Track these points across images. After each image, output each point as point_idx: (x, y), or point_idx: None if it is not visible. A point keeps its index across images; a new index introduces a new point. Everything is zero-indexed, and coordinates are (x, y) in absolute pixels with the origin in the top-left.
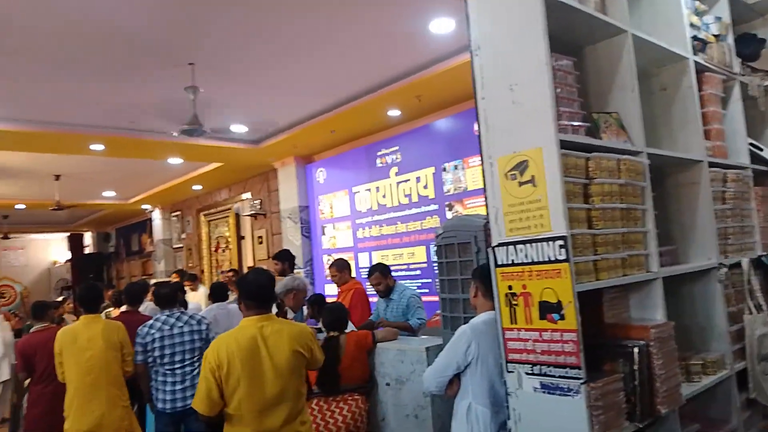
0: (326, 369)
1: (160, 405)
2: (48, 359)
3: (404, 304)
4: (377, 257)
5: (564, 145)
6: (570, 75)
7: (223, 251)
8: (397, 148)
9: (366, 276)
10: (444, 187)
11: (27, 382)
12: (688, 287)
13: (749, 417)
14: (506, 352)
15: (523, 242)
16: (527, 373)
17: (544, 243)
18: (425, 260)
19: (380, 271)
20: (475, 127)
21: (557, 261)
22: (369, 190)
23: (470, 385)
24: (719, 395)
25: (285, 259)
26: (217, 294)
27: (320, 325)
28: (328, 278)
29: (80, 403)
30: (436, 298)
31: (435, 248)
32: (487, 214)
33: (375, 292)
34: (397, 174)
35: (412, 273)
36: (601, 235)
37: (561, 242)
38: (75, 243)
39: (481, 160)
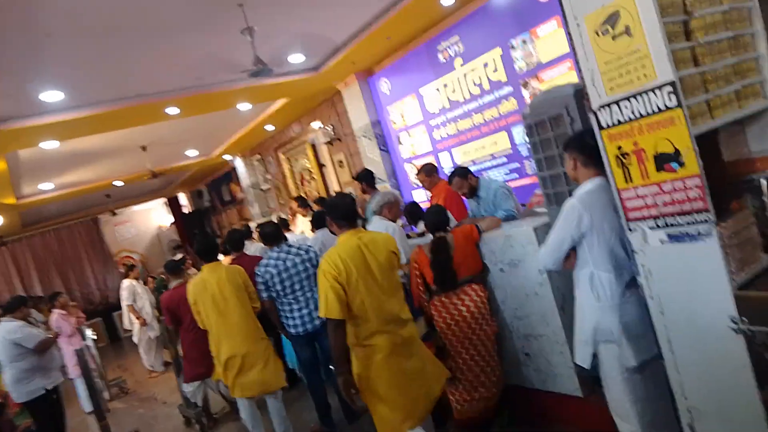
0: (441, 267)
1: (292, 330)
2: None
3: (491, 198)
4: (459, 154)
5: None
6: None
7: (309, 182)
8: (457, 37)
9: (446, 176)
10: (515, 65)
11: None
12: None
13: None
14: (625, 212)
15: (627, 98)
16: (651, 228)
17: (651, 93)
18: (509, 146)
19: (459, 176)
20: None
21: (668, 109)
22: (437, 88)
23: (588, 254)
24: None
25: (362, 179)
26: (319, 221)
27: (418, 230)
28: (414, 185)
29: (226, 342)
30: (529, 181)
31: (525, 129)
32: (581, 78)
33: None
34: (462, 65)
35: (498, 162)
36: (710, 71)
37: (670, 88)
38: (174, 205)
39: (565, 22)
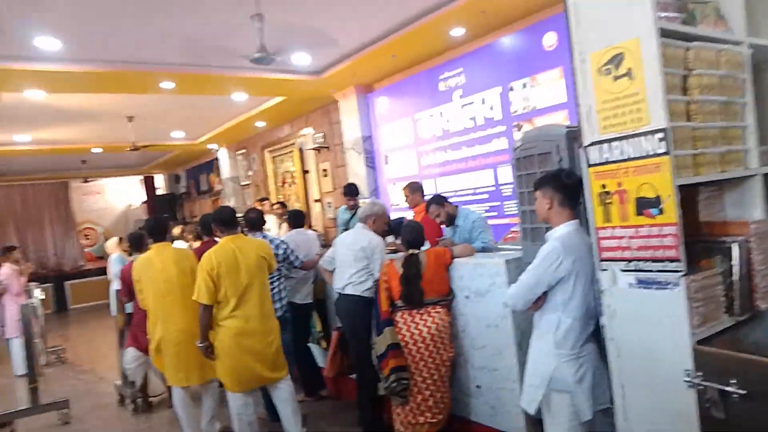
0: (410, 283)
1: None
2: None
3: (469, 227)
4: (443, 183)
5: (662, 33)
6: None
7: (290, 186)
8: (460, 69)
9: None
10: (511, 107)
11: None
12: None
13: None
14: (599, 251)
15: (619, 139)
16: (622, 270)
17: (642, 137)
18: (493, 184)
19: (435, 203)
20: (545, 41)
21: (656, 155)
22: (432, 115)
23: (560, 299)
24: None
25: (346, 191)
26: (295, 221)
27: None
28: (394, 207)
29: (163, 320)
30: (505, 221)
31: (513, 161)
32: (578, 113)
33: None
34: (461, 97)
35: (479, 197)
36: (700, 129)
37: (661, 135)
38: (148, 185)
39: (571, 57)
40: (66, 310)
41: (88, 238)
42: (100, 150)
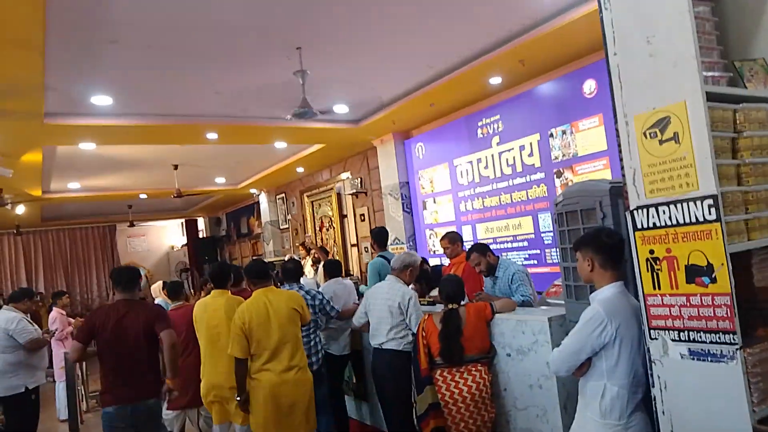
0: (449, 340)
1: None
2: (186, 332)
3: (509, 279)
4: (481, 230)
5: (709, 97)
6: (708, 22)
7: (327, 230)
8: (498, 116)
9: (466, 249)
10: (551, 153)
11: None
12: None
13: None
14: (648, 319)
15: (666, 203)
16: (673, 340)
17: (691, 203)
18: (532, 231)
19: (477, 251)
20: (585, 88)
21: (706, 221)
22: (470, 162)
23: (605, 366)
24: None
25: (375, 236)
26: (332, 270)
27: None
28: (432, 253)
29: (210, 364)
30: (546, 270)
31: (554, 215)
32: (623, 175)
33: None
34: (498, 143)
35: (519, 244)
36: (753, 192)
37: (710, 201)
38: (190, 228)
39: (615, 119)
40: None
41: None
42: (145, 196)
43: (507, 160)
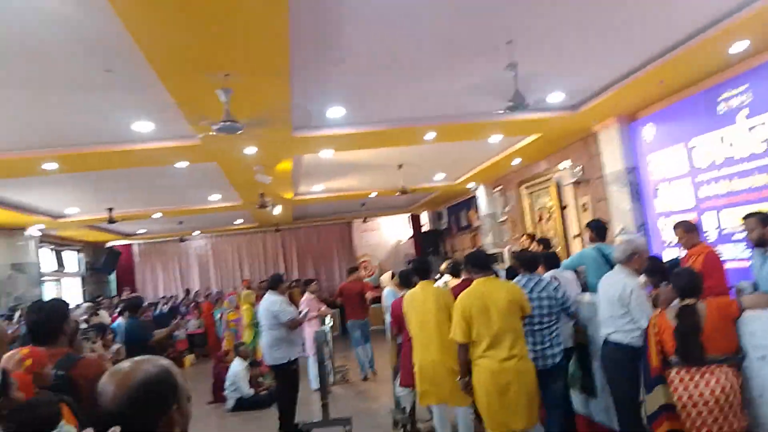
0: (686, 337)
1: None
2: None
3: None
4: (728, 217)
5: None
6: None
7: (546, 221)
8: (746, 86)
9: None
10: None
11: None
12: None
13: None
14: None
15: None
16: None
17: None
18: None
19: (758, 218)
20: None
21: None
22: (711, 141)
23: None
24: None
25: (594, 228)
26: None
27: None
28: (666, 244)
29: (421, 349)
30: None
31: None
32: None
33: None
34: (747, 117)
35: None
36: None
37: None
38: (415, 222)
39: None
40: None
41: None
42: (375, 194)
43: (759, 136)
